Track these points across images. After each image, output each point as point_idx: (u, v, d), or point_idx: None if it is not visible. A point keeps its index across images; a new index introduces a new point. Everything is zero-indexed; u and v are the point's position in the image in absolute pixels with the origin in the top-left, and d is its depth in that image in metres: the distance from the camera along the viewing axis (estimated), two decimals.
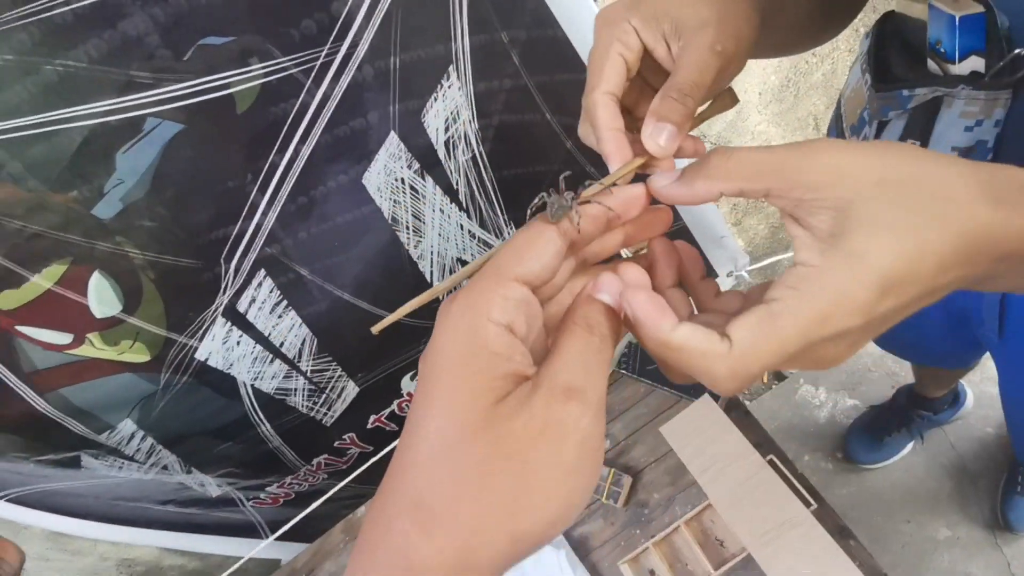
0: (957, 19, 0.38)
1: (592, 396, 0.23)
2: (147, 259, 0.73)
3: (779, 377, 1.66)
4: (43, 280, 0.72)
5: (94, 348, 0.81)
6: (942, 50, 0.41)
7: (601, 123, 0.30)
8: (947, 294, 0.25)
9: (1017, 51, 0.38)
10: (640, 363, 0.76)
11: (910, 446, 1.42)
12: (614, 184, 0.29)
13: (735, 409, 0.72)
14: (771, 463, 0.66)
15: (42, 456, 0.95)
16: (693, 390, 0.72)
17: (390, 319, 0.29)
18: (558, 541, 0.72)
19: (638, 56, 0.31)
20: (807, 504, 0.64)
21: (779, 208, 0.25)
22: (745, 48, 0.32)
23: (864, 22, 0.58)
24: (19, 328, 0.77)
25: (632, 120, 0.32)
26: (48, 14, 0.54)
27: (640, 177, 0.30)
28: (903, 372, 1.52)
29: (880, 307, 0.22)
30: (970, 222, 0.22)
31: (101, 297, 0.75)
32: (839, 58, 1.18)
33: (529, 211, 0.30)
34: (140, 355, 0.84)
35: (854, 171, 0.23)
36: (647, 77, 0.33)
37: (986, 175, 0.23)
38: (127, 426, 0.95)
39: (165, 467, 1.08)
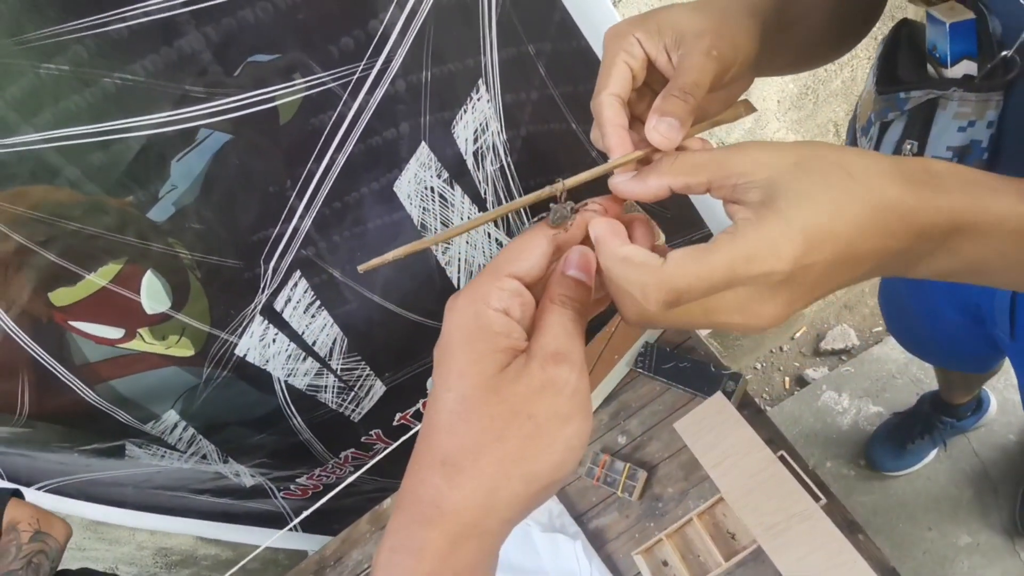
0: (948, 26, 0.41)
1: (575, 357, 0.28)
2: (195, 259, 0.78)
3: (800, 383, 1.66)
4: (98, 278, 0.77)
5: (144, 342, 0.87)
6: (937, 55, 0.44)
7: (606, 119, 0.33)
8: (876, 265, 0.27)
9: (1004, 53, 0.40)
10: (656, 362, 0.78)
11: (934, 453, 1.41)
12: (611, 172, 0.33)
13: (748, 407, 0.74)
14: (781, 459, 0.68)
15: (88, 445, 1.01)
16: (707, 388, 0.75)
17: (376, 261, 0.31)
18: (574, 532, 0.74)
19: (643, 65, 0.34)
20: (816, 499, 0.66)
21: (721, 199, 0.29)
22: (745, 58, 0.35)
23: (882, 30, 0.60)
24: (72, 323, 0.83)
25: (640, 127, 0.34)
26: (104, 29, 0.59)
27: None
28: (927, 379, 1.51)
29: (805, 259, 0.25)
30: (880, 194, 0.26)
31: (152, 294, 0.81)
32: (858, 66, 1.19)
33: (535, 217, 0.33)
34: (185, 349, 0.90)
35: (775, 159, 0.27)
36: (654, 88, 0.36)
37: (893, 161, 0.27)
38: (171, 416, 1.01)
39: (204, 456, 1.13)
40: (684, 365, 0.77)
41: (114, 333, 0.85)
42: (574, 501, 0.76)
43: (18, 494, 0.99)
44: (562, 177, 0.32)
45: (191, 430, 1.06)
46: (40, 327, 0.80)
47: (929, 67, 0.46)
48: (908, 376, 1.53)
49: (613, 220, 0.30)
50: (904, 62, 0.49)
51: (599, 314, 0.34)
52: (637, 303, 0.27)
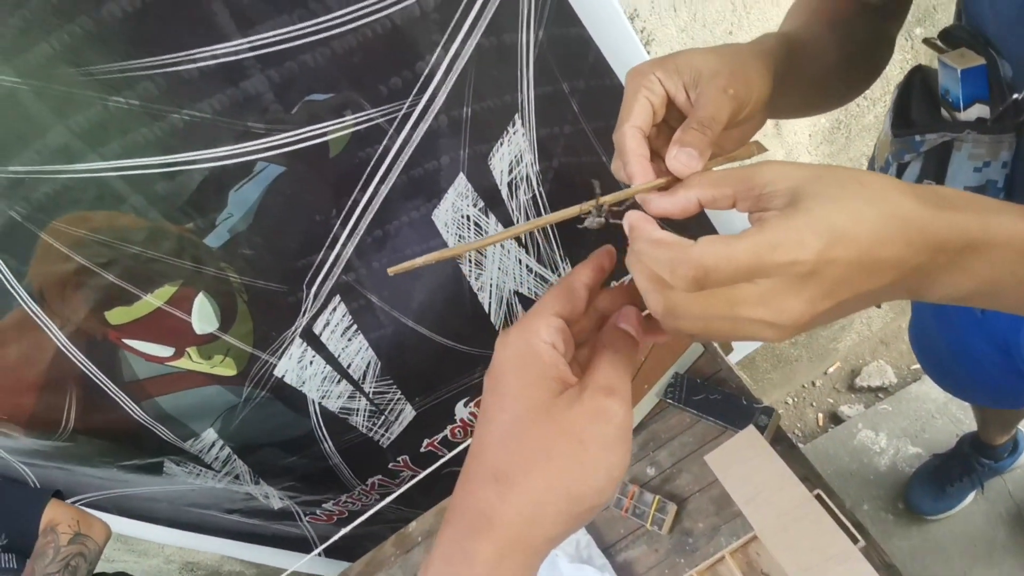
0: (959, 72, 0.43)
1: (624, 393, 0.31)
2: (243, 282, 0.82)
3: (835, 419, 1.63)
4: (155, 299, 0.82)
5: (191, 361, 0.91)
6: (950, 99, 0.45)
7: (628, 150, 0.35)
8: (896, 278, 0.28)
9: (1015, 96, 0.42)
10: (686, 393, 0.78)
11: (972, 495, 1.37)
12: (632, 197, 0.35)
13: (781, 441, 0.74)
14: (818, 497, 0.67)
15: (129, 461, 1.04)
16: (738, 421, 0.74)
17: (406, 264, 0.32)
18: (602, 564, 0.74)
19: (663, 102, 0.37)
20: (854, 540, 0.65)
21: (747, 211, 0.31)
22: (758, 98, 0.38)
23: (898, 76, 0.62)
24: (126, 341, 0.87)
25: (660, 162, 0.37)
26: (174, 68, 0.64)
27: None
28: (967, 419, 1.47)
29: (828, 253, 0.26)
30: (896, 205, 0.27)
31: (203, 315, 0.85)
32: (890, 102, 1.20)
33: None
34: (228, 369, 0.93)
35: (796, 171, 0.29)
36: (671, 125, 0.38)
37: (909, 184, 0.29)
38: (209, 435, 1.04)
39: (237, 476, 1.16)
40: (715, 397, 0.77)
41: (164, 351, 0.89)
42: (602, 532, 0.76)
43: (59, 495, 1.01)
44: (597, 193, 0.35)
45: (227, 449, 1.09)
46: (94, 344, 0.85)
47: (943, 110, 0.47)
48: (947, 416, 1.49)
49: (647, 216, 0.32)
50: (918, 106, 0.50)
51: None
52: (664, 288, 0.28)
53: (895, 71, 1.08)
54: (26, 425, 0.92)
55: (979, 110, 0.44)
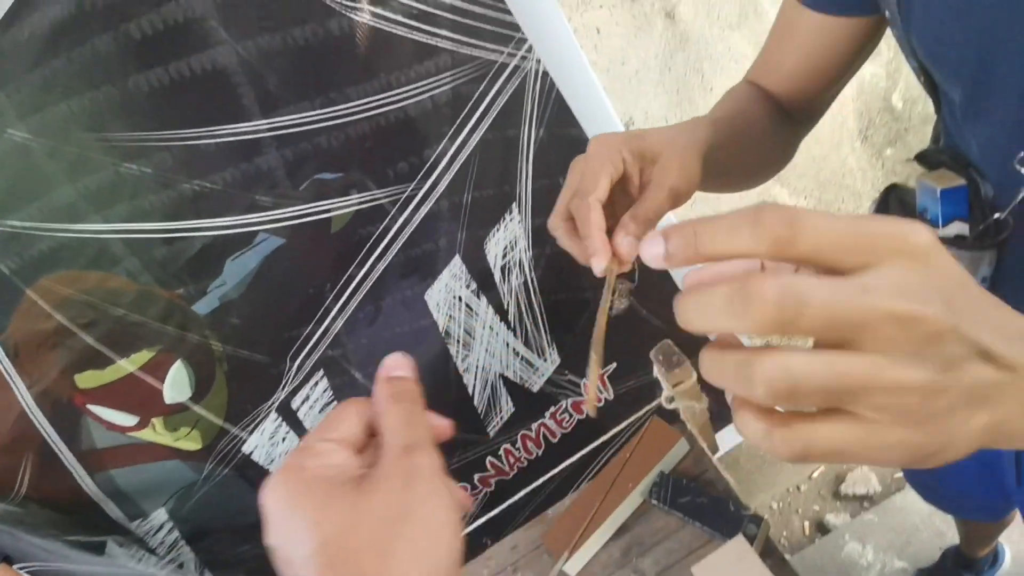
0: (938, 191, 0.47)
1: (422, 442, 0.29)
2: (226, 351, 0.81)
3: (821, 528, 1.60)
4: (129, 364, 0.79)
5: (154, 432, 0.86)
6: (928, 217, 0.49)
7: (592, 222, 0.39)
8: (980, 362, 0.21)
9: (996, 216, 0.45)
10: (672, 495, 0.77)
11: None
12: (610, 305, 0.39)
13: (771, 555, 0.72)
14: None
15: (73, 536, 0.96)
16: (726, 528, 0.73)
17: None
18: None
19: (619, 177, 0.42)
20: None
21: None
22: (692, 188, 0.43)
23: (877, 188, 0.67)
24: (90, 407, 0.83)
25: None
26: (194, 142, 0.66)
27: None
28: (950, 531, 1.46)
29: (938, 246, 0.21)
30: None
31: (176, 383, 0.82)
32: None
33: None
34: (193, 443, 0.89)
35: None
36: (617, 188, 0.43)
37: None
38: (159, 515, 0.97)
39: (181, 565, 1.07)
40: (701, 500, 0.75)
41: (128, 420, 0.84)
42: None
43: (8, 560, 0.93)
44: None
45: (175, 533, 1.02)
46: (59, 407, 0.80)
47: None
48: (931, 529, 1.48)
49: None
50: None
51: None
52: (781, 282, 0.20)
53: (867, 188, 1.17)
54: None
55: (958, 227, 0.47)
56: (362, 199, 0.74)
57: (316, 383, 0.89)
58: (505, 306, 0.92)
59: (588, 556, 0.74)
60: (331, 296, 0.80)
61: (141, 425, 0.86)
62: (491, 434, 1.08)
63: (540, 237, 0.86)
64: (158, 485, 0.93)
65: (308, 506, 0.26)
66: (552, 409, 1.11)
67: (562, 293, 0.95)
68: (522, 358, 0.99)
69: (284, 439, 0.94)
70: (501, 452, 1.13)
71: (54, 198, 0.67)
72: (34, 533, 0.91)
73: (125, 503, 0.93)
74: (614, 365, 1.06)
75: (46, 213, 0.67)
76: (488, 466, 1.13)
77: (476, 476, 1.13)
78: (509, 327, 0.94)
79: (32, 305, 0.73)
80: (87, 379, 0.80)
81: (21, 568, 0.97)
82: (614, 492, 0.76)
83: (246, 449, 0.93)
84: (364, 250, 0.77)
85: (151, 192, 0.68)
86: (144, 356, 0.79)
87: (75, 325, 0.75)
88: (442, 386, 0.95)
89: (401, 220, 0.77)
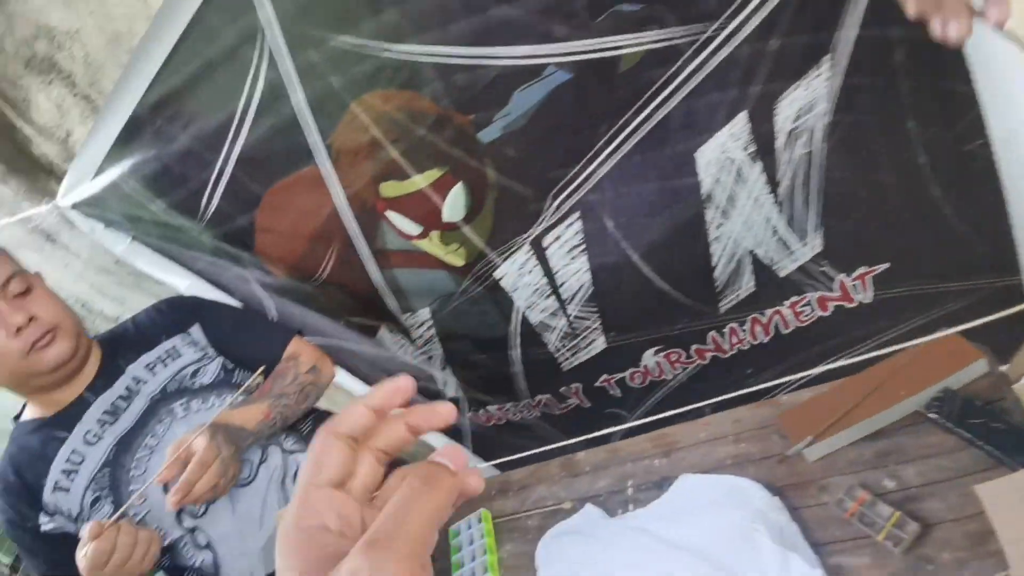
0: None
1: (398, 543, 0.26)
2: (499, 181, 0.88)
3: None
4: (422, 179, 0.90)
5: (431, 244, 1.00)
6: None
7: None
8: None
9: None
10: (960, 414, 0.68)
11: None
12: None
13: None
14: None
15: (356, 318, 1.19)
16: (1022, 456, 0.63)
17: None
18: (812, 559, 0.68)
19: None
20: None
21: None
22: None
23: None
24: (388, 213, 0.98)
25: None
26: None
27: None
28: None
29: None
30: None
31: (454, 204, 0.92)
32: None
33: None
34: (458, 259, 1.02)
35: None
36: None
37: None
38: (424, 313, 1.16)
39: (430, 358, 1.28)
40: (997, 425, 0.65)
41: (414, 229, 0.99)
42: (811, 528, 0.70)
43: (301, 334, 1.15)
44: None
45: (433, 330, 1.21)
46: (365, 209, 0.97)
47: None
48: None
49: None
50: None
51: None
52: None
53: None
54: (289, 267, 1.08)
55: None
56: (658, 37, 0.69)
57: (570, 224, 0.93)
58: (778, 177, 0.83)
59: (832, 448, 0.71)
60: (604, 139, 0.80)
61: (422, 235, 0.99)
62: (721, 309, 1.04)
63: (847, 100, 0.74)
64: (427, 288, 1.10)
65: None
66: (795, 299, 1.02)
67: (849, 171, 0.83)
68: (779, 238, 0.91)
69: (530, 272, 1.03)
70: (727, 330, 1.09)
71: (382, 18, 0.74)
72: (323, 312, 1.14)
73: (401, 297, 1.13)
74: (886, 265, 0.93)
75: (371, 33, 0.75)
76: (709, 340, 1.11)
77: (693, 346, 1.13)
78: (776, 200, 0.86)
79: (354, 118, 0.85)
80: (389, 188, 0.94)
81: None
82: (880, 395, 0.70)
83: (497, 275, 1.04)
84: (648, 93, 0.74)
85: (462, 16, 0.72)
86: (434, 174, 0.89)
87: (386, 139, 0.86)
88: (688, 251, 0.93)
89: (694, 64, 0.71)
